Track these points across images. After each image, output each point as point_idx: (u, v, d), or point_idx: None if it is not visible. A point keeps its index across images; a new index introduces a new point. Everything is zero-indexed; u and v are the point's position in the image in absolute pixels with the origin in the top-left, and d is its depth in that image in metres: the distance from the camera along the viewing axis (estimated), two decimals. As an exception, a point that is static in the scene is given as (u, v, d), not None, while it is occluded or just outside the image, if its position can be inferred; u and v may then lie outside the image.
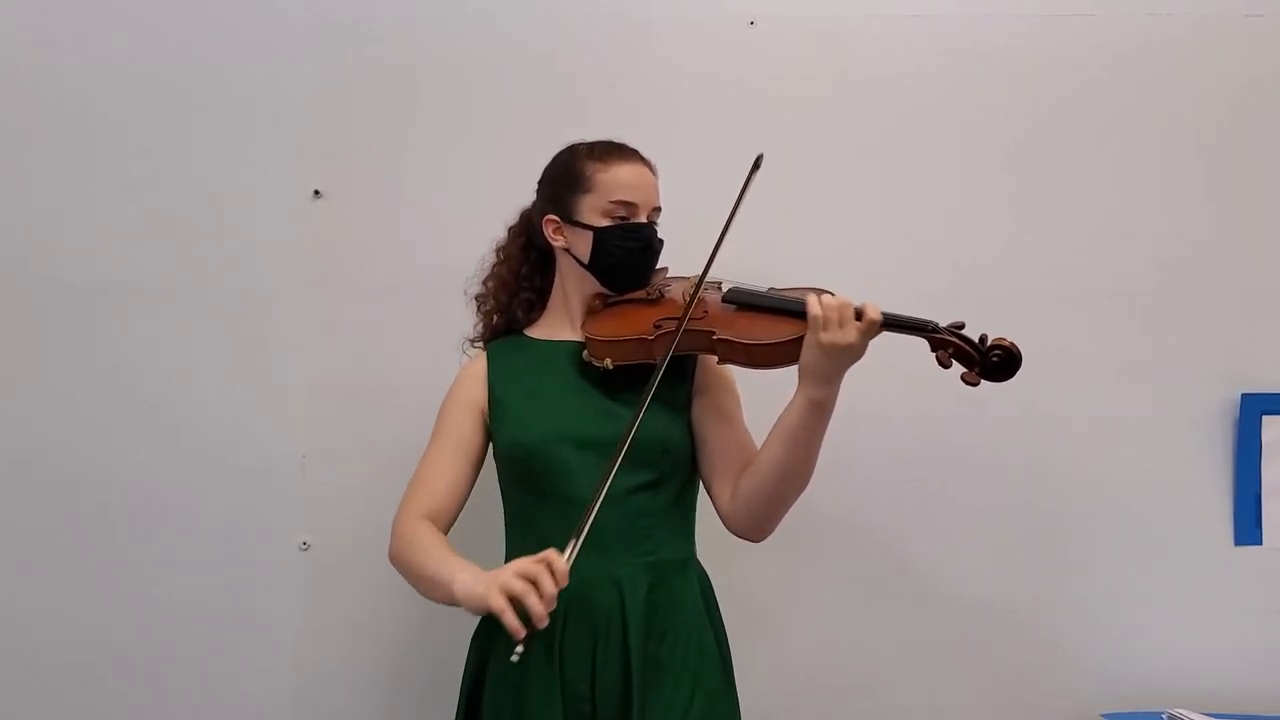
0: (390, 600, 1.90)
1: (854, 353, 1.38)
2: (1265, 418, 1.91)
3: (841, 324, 1.37)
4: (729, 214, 1.47)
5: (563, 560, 1.28)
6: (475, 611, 1.34)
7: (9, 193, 1.93)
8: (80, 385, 1.91)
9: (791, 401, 1.42)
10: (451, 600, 1.36)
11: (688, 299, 1.47)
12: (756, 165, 1.50)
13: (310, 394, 1.91)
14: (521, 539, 1.53)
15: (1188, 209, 1.93)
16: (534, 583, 1.25)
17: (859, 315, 1.37)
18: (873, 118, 1.93)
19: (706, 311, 1.48)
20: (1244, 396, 1.90)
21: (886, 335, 1.42)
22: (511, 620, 1.24)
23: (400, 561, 1.49)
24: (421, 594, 1.45)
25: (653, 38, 1.93)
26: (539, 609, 1.24)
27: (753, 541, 1.52)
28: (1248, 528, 1.91)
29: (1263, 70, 1.93)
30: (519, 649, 1.24)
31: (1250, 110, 1.93)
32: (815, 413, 1.40)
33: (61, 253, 1.92)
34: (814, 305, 1.37)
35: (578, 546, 1.30)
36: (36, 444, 1.91)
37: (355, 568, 1.88)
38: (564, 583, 1.27)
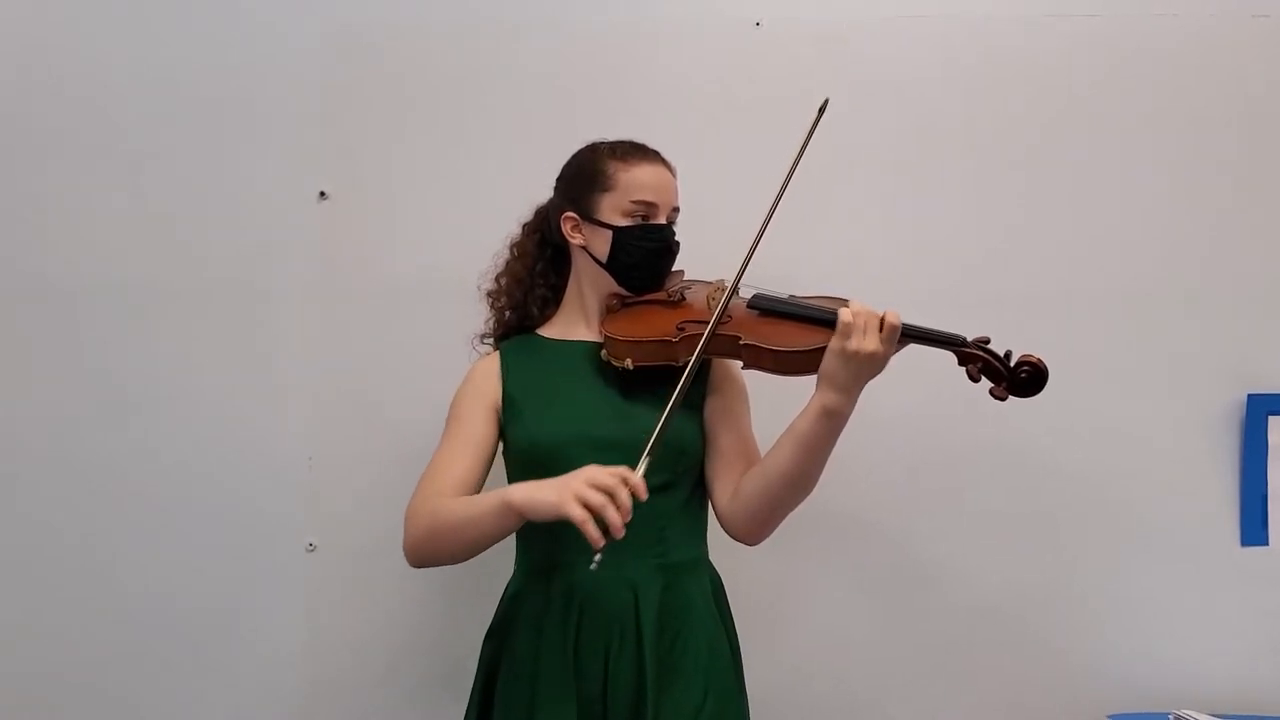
0: (397, 601, 1.90)
1: (875, 362, 1.37)
2: (1271, 418, 1.90)
3: (865, 331, 1.36)
4: (785, 177, 1.47)
5: (638, 475, 1.27)
6: (541, 517, 1.30)
7: (16, 194, 1.93)
8: (85, 386, 1.92)
9: (806, 407, 1.41)
10: (504, 518, 1.33)
11: (717, 302, 1.46)
12: (822, 110, 1.49)
13: (316, 395, 1.92)
14: (533, 540, 1.54)
15: (1194, 209, 1.93)
16: (610, 495, 1.25)
17: (881, 324, 1.38)
18: (879, 119, 1.93)
19: (731, 316, 1.47)
20: (1250, 397, 1.90)
21: (910, 357, 1.43)
22: (593, 531, 1.23)
23: (426, 531, 1.44)
24: (457, 549, 1.42)
25: (657, 40, 1.93)
26: (617, 522, 1.24)
27: (747, 544, 1.52)
28: (1254, 529, 1.91)
29: (1269, 71, 1.92)
30: (598, 557, 1.24)
31: (1257, 111, 1.93)
32: (828, 421, 1.39)
33: (67, 254, 1.92)
34: (845, 313, 1.37)
35: (647, 463, 1.30)
36: (41, 445, 1.92)
37: (361, 569, 1.89)
38: (643, 496, 1.27)
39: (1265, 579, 1.90)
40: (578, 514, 1.24)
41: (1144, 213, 1.93)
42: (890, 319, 1.37)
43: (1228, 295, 1.92)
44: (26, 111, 1.94)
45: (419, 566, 1.50)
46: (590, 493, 1.25)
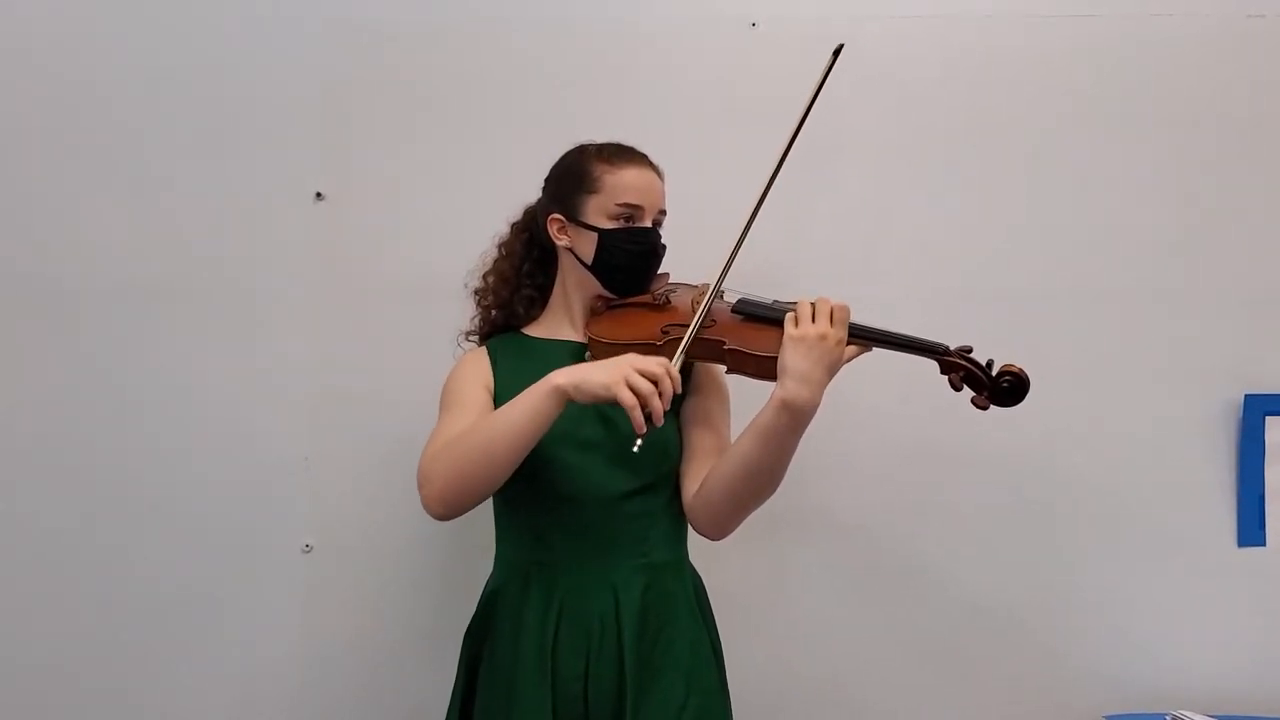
0: (392, 602, 1.90)
1: (825, 347, 1.35)
2: (1269, 419, 1.90)
3: (815, 318, 1.37)
4: (809, 98, 1.48)
5: (676, 368, 1.34)
6: (588, 399, 1.34)
7: (13, 194, 1.93)
8: (83, 387, 1.91)
9: (768, 401, 1.40)
10: (546, 403, 1.36)
11: (699, 306, 1.46)
12: (836, 54, 1.49)
13: (313, 396, 1.91)
14: (515, 538, 1.54)
15: (1193, 209, 1.93)
16: (656, 384, 1.31)
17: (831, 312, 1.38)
18: (877, 119, 1.93)
19: (715, 321, 1.47)
20: (1248, 397, 1.90)
21: (896, 355, 1.44)
22: (639, 417, 1.30)
23: (451, 467, 1.41)
24: (490, 469, 1.39)
25: (654, 41, 1.93)
26: (660, 411, 1.31)
27: (710, 538, 1.52)
28: (1251, 529, 1.91)
29: (1265, 71, 1.93)
30: (639, 441, 1.31)
31: (1253, 111, 1.93)
32: (787, 415, 1.36)
33: (65, 254, 1.92)
34: (801, 302, 1.39)
35: (681, 360, 1.37)
36: (39, 445, 1.92)
37: (358, 570, 1.89)
38: (678, 390, 1.34)
39: (1262, 579, 1.90)
40: (628, 399, 1.30)
41: (1142, 212, 1.93)
42: (837, 304, 1.38)
43: (1226, 295, 1.92)
44: (24, 112, 1.94)
45: (449, 514, 1.44)
46: (640, 380, 1.31)
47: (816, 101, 1.48)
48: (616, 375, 1.32)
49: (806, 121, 1.47)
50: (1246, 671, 1.88)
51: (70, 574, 1.91)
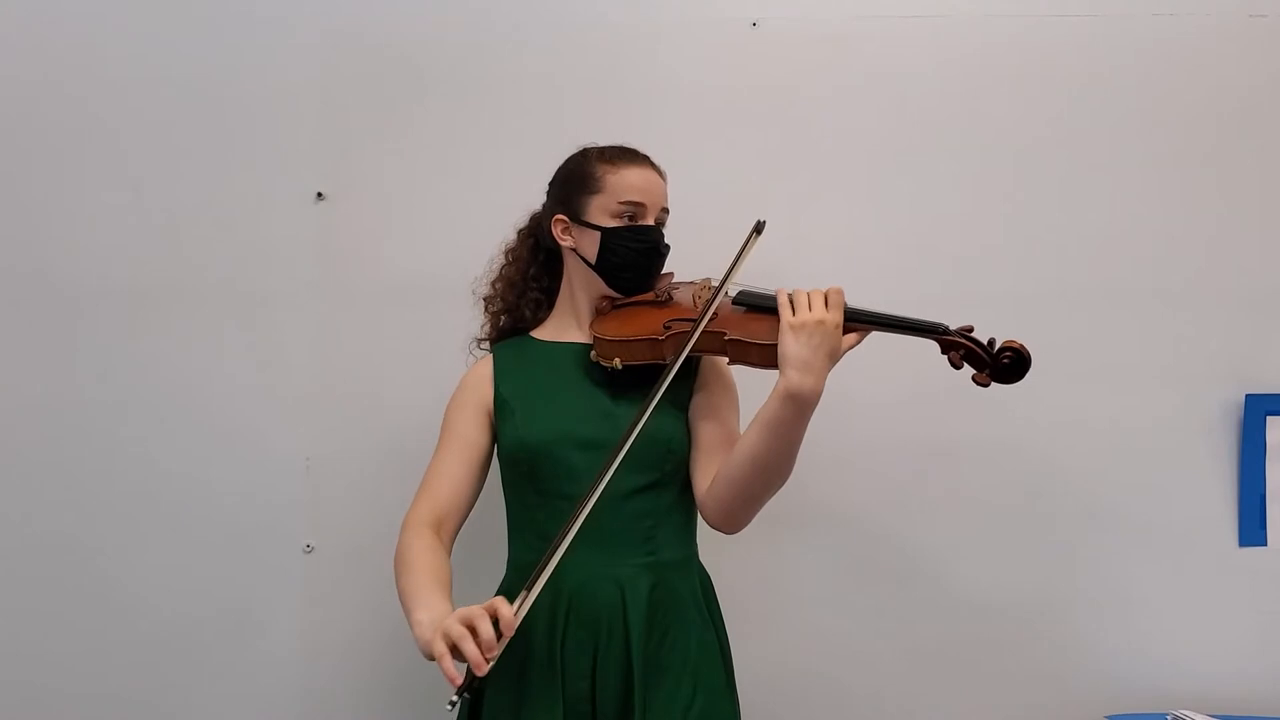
0: (393, 602, 1.87)
1: (825, 331, 1.36)
2: (1270, 418, 1.90)
3: (811, 305, 1.37)
4: (729, 268, 1.48)
5: (509, 609, 1.25)
6: (423, 655, 1.29)
7: (13, 196, 1.93)
8: (82, 387, 1.91)
9: (771, 392, 1.40)
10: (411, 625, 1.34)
11: (703, 300, 1.46)
12: (758, 230, 1.49)
13: (314, 396, 1.91)
14: (524, 540, 1.54)
15: (1192, 209, 1.93)
16: (473, 629, 1.23)
17: (826, 297, 1.38)
18: (875, 119, 1.93)
19: (717, 313, 1.48)
20: (1249, 397, 1.90)
21: (895, 336, 1.43)
22: (448, 668, 1.23)
23: (395, 564, 1.47)
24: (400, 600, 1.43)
25: (655, 41, 1.93)
26: (475, 656, 1.21)
27: (724, 532, 1.51)
28: (1252, 529, 1.91)
29: (1266, 71, 1.93)
30: (453, 699, 1.22)
31: (1254, 110, 1.93)
32: (791, 404, 1.36)
33: (65, 256, 1.92)
34: (783, 292, 1.39)
35: (531, 597, 1.28)
36: (38, 445, 1.92)
37: (358, 570, 1.89)
38: (508, 632, 1.24)
39: (1263, 579, 1.90)
40: (438, 649, 1.23)
41: (1143, 212, 1.93)
42: (831, 288, 1.38)
43: (1226, 295, 1.92)
44: (25, 112, 1.94)
45: None
46: (454, 626, 1.23)
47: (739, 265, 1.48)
48: (436, 629, 1.25)
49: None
50: (1247, 671, 1.88)
51: (70, 575, 1.91)
